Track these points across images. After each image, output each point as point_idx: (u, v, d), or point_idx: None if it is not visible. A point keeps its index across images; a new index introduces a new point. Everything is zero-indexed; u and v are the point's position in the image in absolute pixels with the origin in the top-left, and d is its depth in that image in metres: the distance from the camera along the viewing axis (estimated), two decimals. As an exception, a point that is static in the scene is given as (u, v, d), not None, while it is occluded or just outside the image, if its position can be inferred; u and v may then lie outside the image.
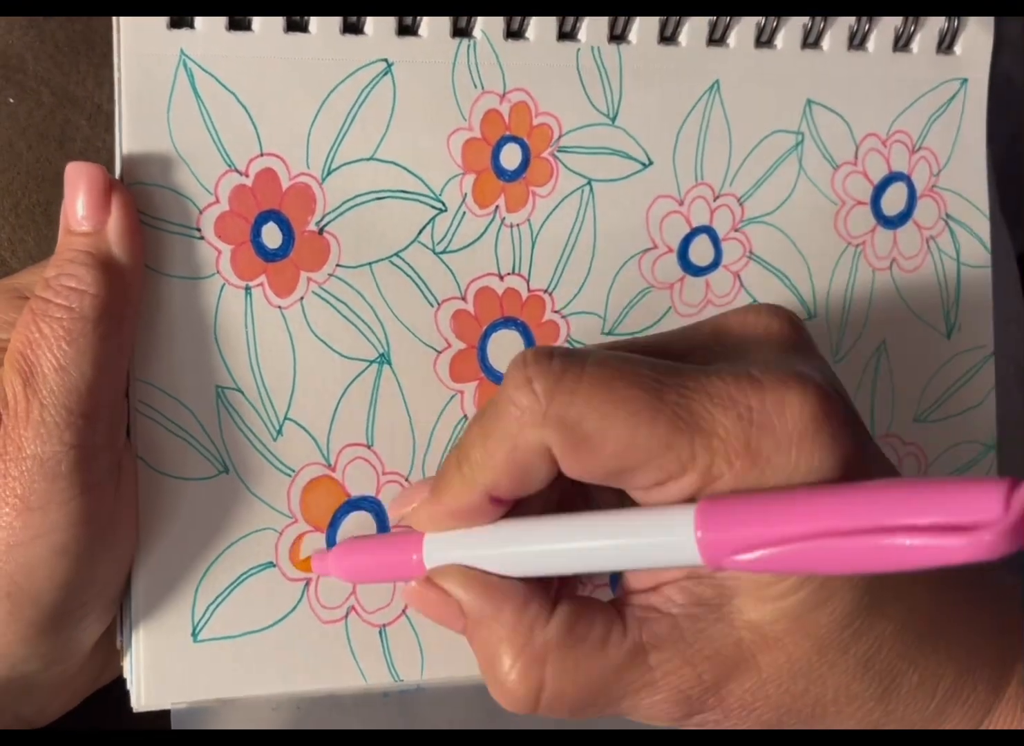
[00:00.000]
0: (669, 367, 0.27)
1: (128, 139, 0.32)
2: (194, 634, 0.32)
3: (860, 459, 0.27)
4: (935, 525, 0.22)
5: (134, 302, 0.31)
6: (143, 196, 0.32)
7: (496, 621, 0.28)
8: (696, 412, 0.26)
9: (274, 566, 0.33)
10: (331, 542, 0.34)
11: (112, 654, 0.33)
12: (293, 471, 0.34)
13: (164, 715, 0.32)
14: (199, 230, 0.33)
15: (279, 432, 0.33)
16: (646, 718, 0.29)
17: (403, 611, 0.34)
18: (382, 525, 0.34)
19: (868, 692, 0.28)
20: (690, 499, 0.27)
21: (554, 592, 0.29)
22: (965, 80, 0.39)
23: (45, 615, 0.30)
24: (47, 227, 0.37)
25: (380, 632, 0.34)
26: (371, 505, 0.34)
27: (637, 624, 0.28)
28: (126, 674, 0.33)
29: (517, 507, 0.30)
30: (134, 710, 0.32)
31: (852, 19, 0.38)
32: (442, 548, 0.30)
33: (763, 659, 0.28)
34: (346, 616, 0.34)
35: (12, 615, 0.29)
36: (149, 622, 0.32)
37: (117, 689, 0.33)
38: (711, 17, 0.36)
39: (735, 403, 0.26)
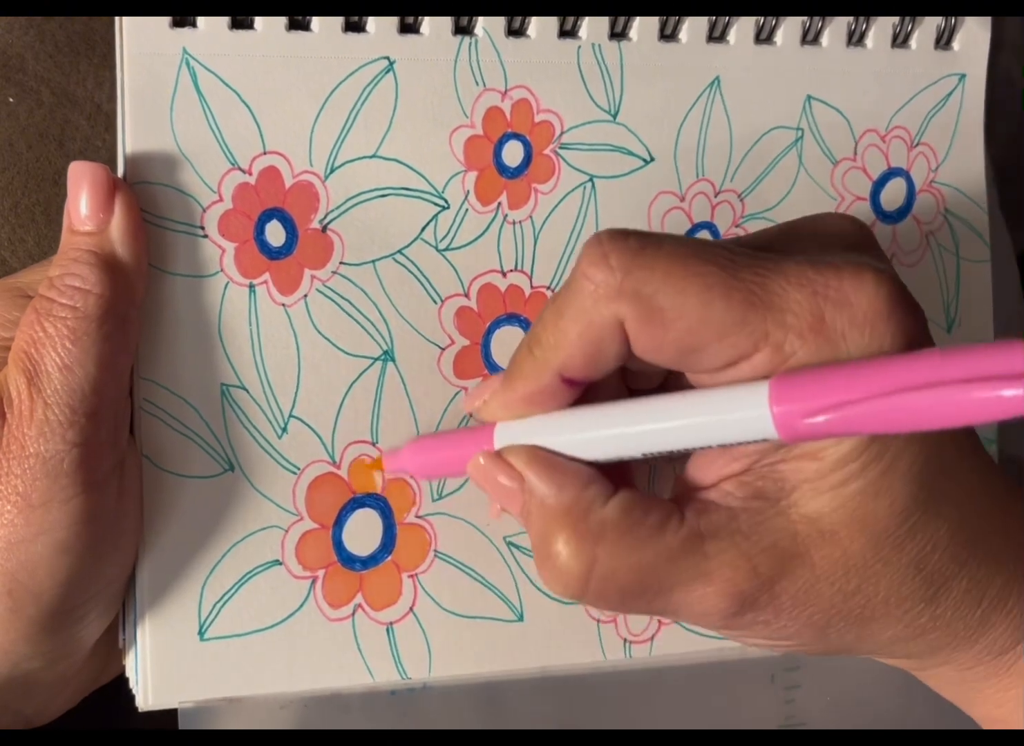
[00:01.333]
0: (745, 251, 0.28)
1: (131, 138, 0.32)
2: (201, 632, 0.33)
3: (923, 345, 0.28)
4: (998, 375, 0.24)
5: (138, 301, 0.32)
6: (146, 195, 0.32)
7: (555, 498, 0.29)
8: (771, 290, 0.27)
9: (280, 564, 0.33)
10: (337, 541, 0.34)
11: (113, 652, 0.34)
12: (298, 469, 0.34)
13: (171, 714, 0.32)
14: (203, 228, 0.33)
15: (284, 430, 0.34)
16: (696, 615, 0.29)
17: (410, 609, 0.34)
18: (388, 523, 0.34)
19: (918, 594, 0.29)
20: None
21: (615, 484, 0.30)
22: (963, 75, 0.40)
23: (47, 613, 0.30)
24: (47, 227, 0.37)
25: (387, 630, 0.34)
26: (376, 503, 0.34)
27: (695, 515, 0.28)
28: (129, 673, 0.33)
29: (583, 399, 0.30)
30: (140, 710, 0.32)
31: (850, 16, 0.38)
32: (512, 435, 0.30)
33: (818, 554, 0.28)
34: (353, 614, 0.34)
35: (14, 613, 0.29)
36: (155, 621, 0.32)
37: (125, 688, 0.33)
38: (711, 16, 0.36)
39: (811, 282, 0.27)
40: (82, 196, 0.31)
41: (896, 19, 0.38)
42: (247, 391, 0.33)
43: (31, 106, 0.36)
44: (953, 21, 0.39)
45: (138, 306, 0.32)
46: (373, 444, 0.34)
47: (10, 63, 0.36)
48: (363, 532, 0.34)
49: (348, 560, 0.34)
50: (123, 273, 0.31)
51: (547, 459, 0.30)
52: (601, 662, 0.36)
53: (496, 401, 0.31)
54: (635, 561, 0.28)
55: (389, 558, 0.34)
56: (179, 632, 0.32)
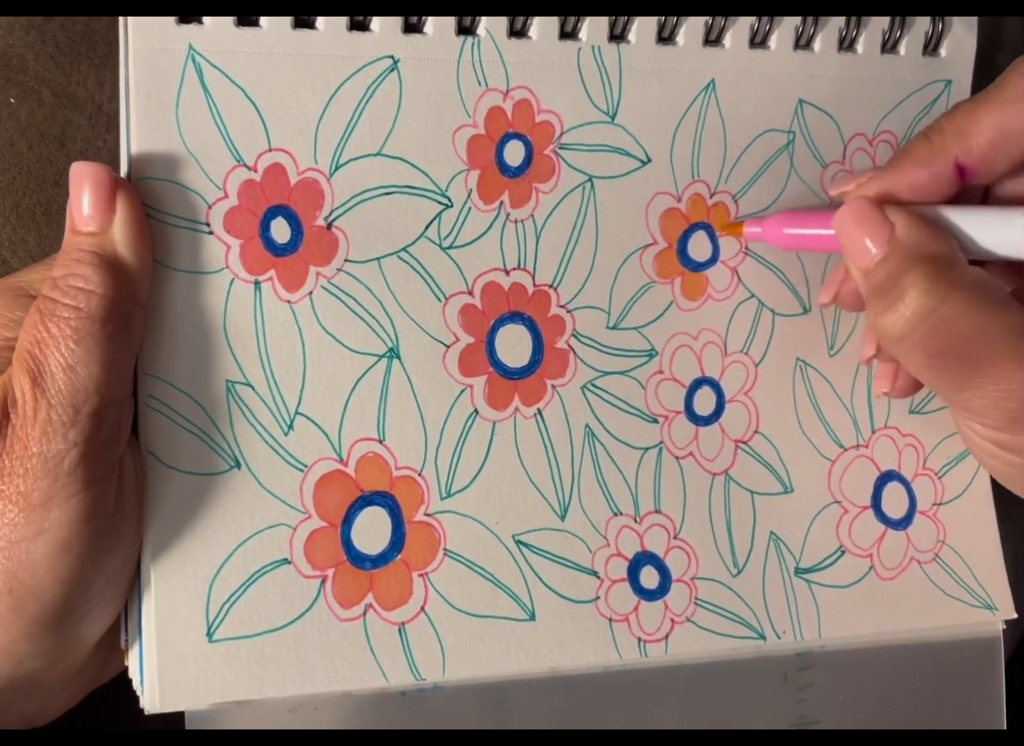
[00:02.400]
0: None
1: (137, 134, 0.32)
2: (209, 634, 0.32)
3: None
4: None
5: (141, 301, 0.31)
6: (151, 191, 0.32)
7: (925, 246, 0.32)
8: None
9: (289, 563, 0.33)
10: (346, 539, 0.33)
11: (113, 651, 0.33)
12: (305, 466, 0.33)
13: (178, 714, 0.31)
14: (208, 225, 0.33)
15: (290, 427, 0.33)
16: (990, 401, 0.32)
17: (422, 609, 0.34)
18: (396, 521, 0.34)
19: None
20: None
21: None
22: (949, 81, 0.41)
23: (48, 611, 0.29)
24: (48, 227, 0.37)
25: (399, 630, 0.34)
26: (384, 501, 0.34)
27: None
28: (132, 674, 0.32)
29: None
30: (146, 712, 0.31)
31: (842, 22, 0.39)
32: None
33: None
34: (364, 614, 0.33)
35: (15, 611, 0.29)
36: (162, 622, 0.32)
37: (130, 688, 0.32)
38: (707, 18, 0.37)
39: None
40: (84, 196, 0.31)
41: (885, 26, 0.40)
42: (252, 388, 0.33)
43: (32, 107, 0.36)
44: (940, 28, 0.40)
45: (142, 306, 0.32)
46: (380, 442, 0.34)
47: (11, 64, 0.36)
48: (372, 530, 0.34)
49: (357, 559, 0.34)
50: (126, 273, 0.31)
51: (923, 217, 0.33)
52: (616, 662, 0.36)
53: (875, 184, 0.34)
54: (976, 318, 0.31)
55: (399, 557, 0.34)
56: (187, 633, 0.32)
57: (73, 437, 0.29)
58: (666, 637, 0.36)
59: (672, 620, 0.37)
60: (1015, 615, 0.41)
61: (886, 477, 0.40)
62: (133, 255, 0.31)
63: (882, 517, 0.40)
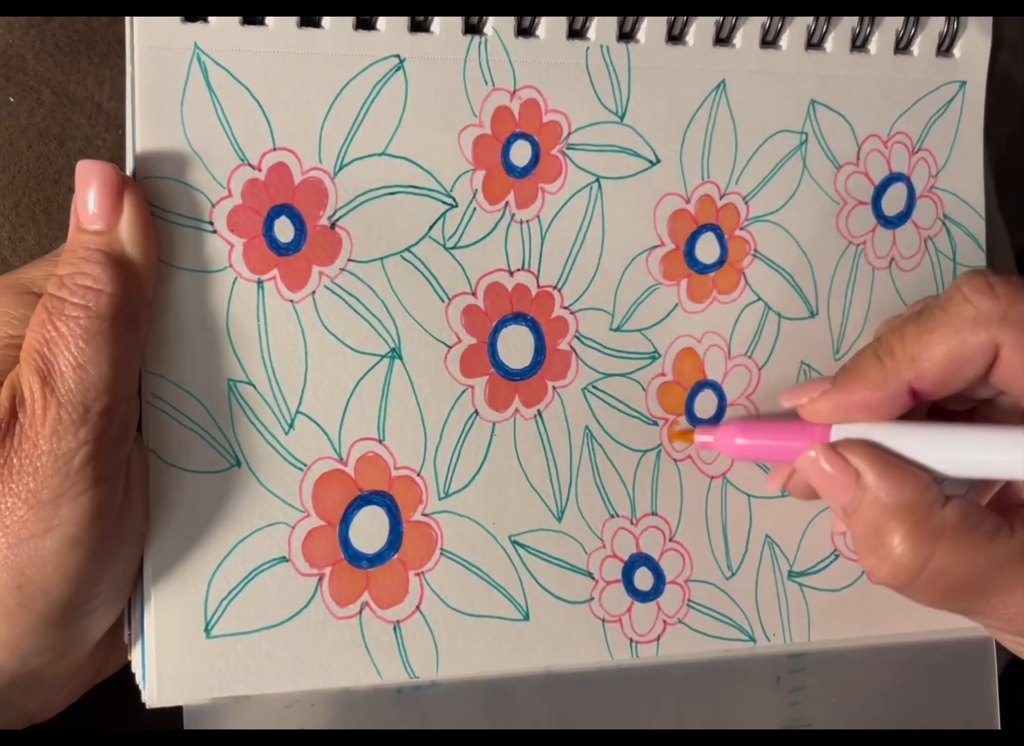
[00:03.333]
0: None
1: (141, 133, 0.32)
2: (207, 630, 0.33)
3: None
4: None
5: (148, 299, 0.32)
6: (155, 190, 0.33)
7: (894, 496, 0.32)
8: None
9: (287, 561, 0.34)
10: (344, 538, 0.34)
11: (115, 647, 0.34)
12: (305, 465, 0.34)
13: (176, 713, 0.32)
14: (212, 224, 0.33)
15: (291, 426, 0.34)
16: (1006, 619, 0.32)
17: (417, 608, 0.35)
18: (394, 521, 0.35)
19: None
20: None
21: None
22: (964, 82, 0.41)
23: (55, 608, 0.30)
24: (47, 225, 0.37)
25: (395, 628, 0.34)
26: (383, 500, 0.35)
27: (1022, 527, 0.31)
28: (135, 668, 0.33)
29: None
30: (147, 706, 0.32)
31: (855, 21, 0.39)
32: (846, 435, 0.34)
33: None
34: (360, 612, 0.34)
35: (23, 607, 0.30)
36: (161, 618, 0.32)
37: (131, 688, 0.33)
38: (717, 17, 0.37)
39: None
40: (90, 194, 0.31)
41: (899, 25, 0.39)
42: (254, 387, 0.34)
43: (32, 106, 0.37)
44: (955, 28, 0.40)
45: (148, 304, 0.32)
46: (380, 441, 0.35)
47: (11, 63, 0.36)
48: (370, 530, 0.34)
49: (355, 558, 0.34)
50: (134, 272, 0.31)
51: (887, 458, 0.32)
52: (607, 662, 0.37)
53: (827, 402, 0.34)
54: (968, 562, 0.31)
55: (396, 556, 0.35)
56: (186, 629, 0.32)
57: (83, 435, 0.29)
58: (658, 638, 0.37)
59: (664, 621, 0.37)
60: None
61: (887, 481, 0.41)
62: (140, 253, 0.31)
63: (881, 521, 0.40)
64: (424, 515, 0.35)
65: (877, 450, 0.33)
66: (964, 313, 0.32)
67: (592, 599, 0.37)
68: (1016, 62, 0.42)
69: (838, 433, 0.34)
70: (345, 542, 0.34)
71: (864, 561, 0.33)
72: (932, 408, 0.36)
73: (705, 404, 0.38)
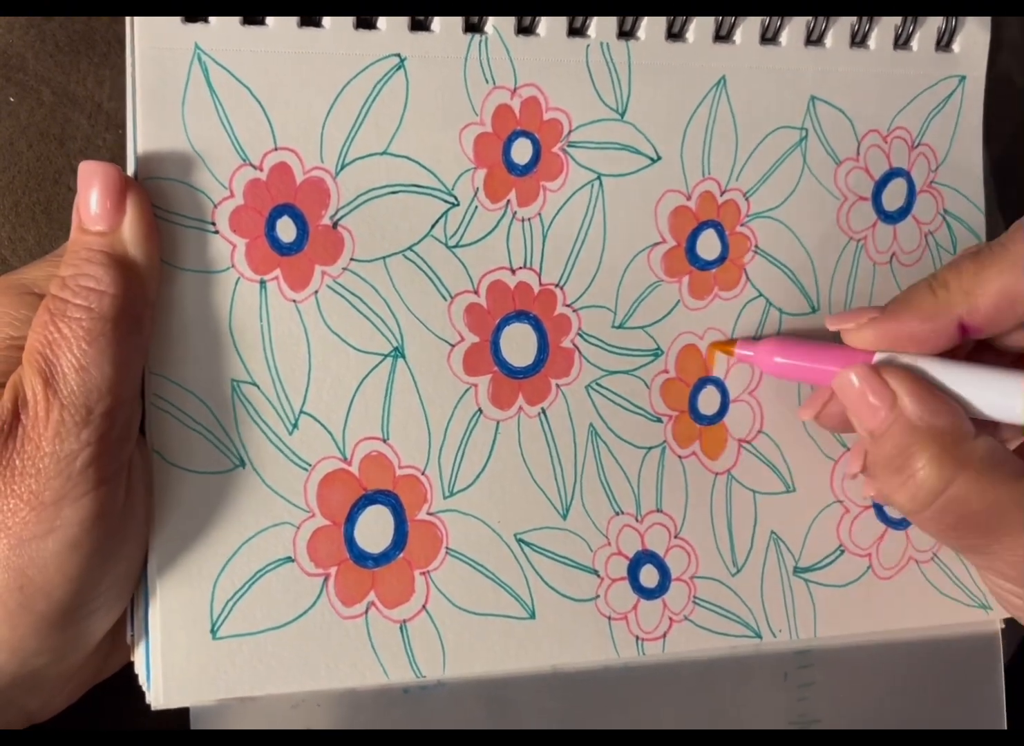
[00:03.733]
0: None
1: (143, 134, 0.33)
2: (213, 631, 0.33)
3: None
4: None
5: (151, 301, 0.32)
6: (157, 191, 0.33)
7: (928, 421, 0.32)
8: None
9: (292, 561, 0.34)
10: (349, 538, 0.34)
11: (115, 647, 0.34)
12: (309, 465, 0.34)
13: (183, 713, 0.32)
14: (214, 224, 0.33)
15: (295, 426, 0.34)
16: (1008, 563, 0.33)
17: (423, 607, 0.35)
18: (399, 520, 0.35)
19: None
20: None
21: None
22: (963, 77, 0.41)
23: (56, 609, 0.30)
24: (47, 225, 0.37)
25: (401, 628, 0.34)
26: (388, 499, 0.35)
27: None
28: (139, 669, 0.33)
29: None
30: (152, 709, 0.32)
31: (854, 17, 0.39)
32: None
33: None
34: (366, 612, 0.34)
35: (24, 608, 0.30)
36: (167, 619, 0.32)
37: (136, 688, 0.33)
38: (717, 16, 0.37)
39: None
40: (93, 195, 0.31)
41: (898, 21, 0.40)
42: (258, 387, 0.34)
43: (32, 105, 0.37)
44: (954, 23, 0.40)
45: (151, 305, 0.32)
46: (384, 441, 0.35)
47: (11, 63, 0.36)
48: (375, 529, 0.34)
49: (360, 557, 0.34)
50: (136, 273, 0.31)
51: (927, 387, 0.33)
52: (614, 660, 0.37)
53: (875, 329, 0.34)
54: (987, 496, 0.32)
55: (401, 555, 0.35)
56: (192, 630, 0.33)
57: (86, 437, 0.29)
58: (664, 636, 0.37)
59: (670, 619, 0.37)
60: (1008, 614, 0.42)
61: (890, 476, 0.41)
62: (143, 255, 0.31)
63: (883, 517, 0.41)
64: (429, 514, 0.35)
65: (917, 377, 0.33)
66: (1021, 250, 0.32)
67: (598, 597, 0.37)
68: (1016, 62, 0.42)
69: (881, 362, 0.34)
70: (350, 542, 0.34)
71: (884, 483, 0.34)
72: (974, 352, 0.36)
73: (708, 400, 0.38)
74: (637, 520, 0.37)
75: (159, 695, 0.32)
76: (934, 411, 0.33)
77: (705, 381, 0.38)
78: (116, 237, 0.31)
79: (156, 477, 0.33)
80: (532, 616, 0.36)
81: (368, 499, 0.35)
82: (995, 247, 0.33)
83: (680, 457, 0.38)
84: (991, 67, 0.41)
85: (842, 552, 0.40)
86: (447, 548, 0.35)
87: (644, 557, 0.37)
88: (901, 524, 0.41)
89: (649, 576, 0.37)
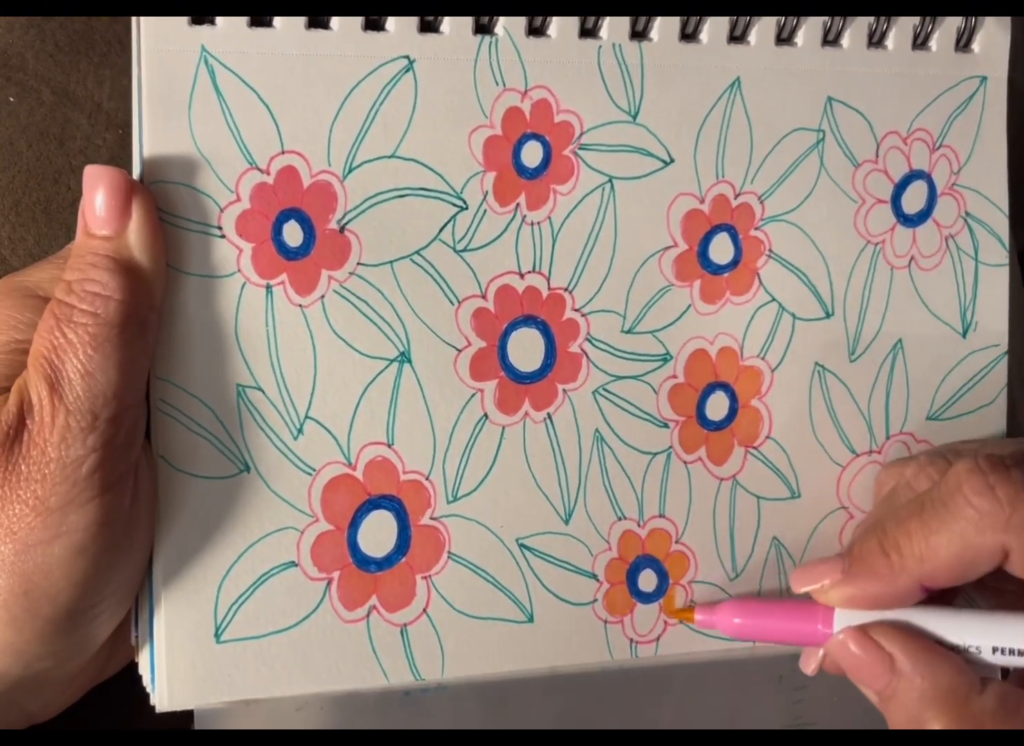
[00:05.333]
0: None
1: (149, 137, 0.33)
2: (217, 635, 0.34)
3: None
4: None
5: (157, 306, 0.32)
6: (163, 194, 0.33)
7: (931, 683, 0.32)
8: None
9: (296, 565, 0.34)
10: (352, 542, 0.35)
11: (117, 648, 0.35)
12: (314, 470, 0.35)
13: (187, 714, 0.34)
14: (220, 228, 0.34)
15: (300, 431, 0.35)
16: None
17: (424, 610, 0.36)
18: (402, 524, 0.35)
19: None
20: None
21: None
22: (984, 78, 0.41)
23: (61, 613, 0.31)
24: (47, 225, 0.38)
25: (401, 631, 0.35)
26: (391, 504, 0.35)
27: None
28: (143, 671, 0.34)
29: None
30: (157, 711, 0.33)
31: (871, 17, 0.39)
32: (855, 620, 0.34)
33: None
34: (368, 616, 0.35)
35: (29, 613, 0.30)
36: (172, 622, 0.33)
37: (140, 688, 0.34)
38: (732, 16, 0.37)
39: None
40: (98, 199, 0.32)
41: (916, 20, 0.39)
42: (263, 392, 0.34)
43: (32, 105, 0.37)
44: (973, 23, 0.40)
45: (157, 310, 0.32)
46: (389, 446, 0.35)
47: (11, 62, 0.37)
48: (378, 534, 0.35)
49: (363, 562, 0.35)
50: (142, 278, 0.32)
51: (920, 641, 0.32)
52: (608, 662, 0.38)
53: (839, 593, 0.34)
54: None
55: (404, 560, 0.36)
56: (196, 634, 0.34)
57: (91, 443, 0.30)
58: (657, 638, 0.38)
59: (665, 622, 0.38)
60: None
61: (899, 482, 0.41)
62: (149, 259, 0.32)
63: (893, 522, 0.41)
64: (432, 519, 0.36)
65: (909, 633, 0.33)
66: (967, 515, 0.31)
67: (596, 601, 0.37)
68: (1016, 62, 0.42)
69: (841, 616, 0.34)
70: (353, 546, 0.35)
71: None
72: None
73: (716, 406, 0.39)
74: (639, 525, 0.38)
75: (163, 698, 0.33)
76: (935, 669, 0.32)
77: (714, 386, 0.39)
78: (122, 241, 0.32)
79: (161, 482, 0.33)
80: (530, 620, 0.37)
81: (372, 504, 0.35)
82: (939, 507, 0.32)
83: (685, 462, 0.38)
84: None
85: (847, 557, 0.40)
86: (449, 553, 0.36)
87: (644, 561, 0.38)
88: (909, 529, 0.41)
89: (647, 580, 0.38)
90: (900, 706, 0.32)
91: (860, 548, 0.34)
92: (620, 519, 0.38)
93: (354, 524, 0.35)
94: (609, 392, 0.37)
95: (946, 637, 0.33)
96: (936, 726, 0.31)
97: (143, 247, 0.32)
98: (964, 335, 0.41)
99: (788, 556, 0.40)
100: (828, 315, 0.40)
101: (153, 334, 0.32)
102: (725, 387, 0.39)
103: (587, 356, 0.37)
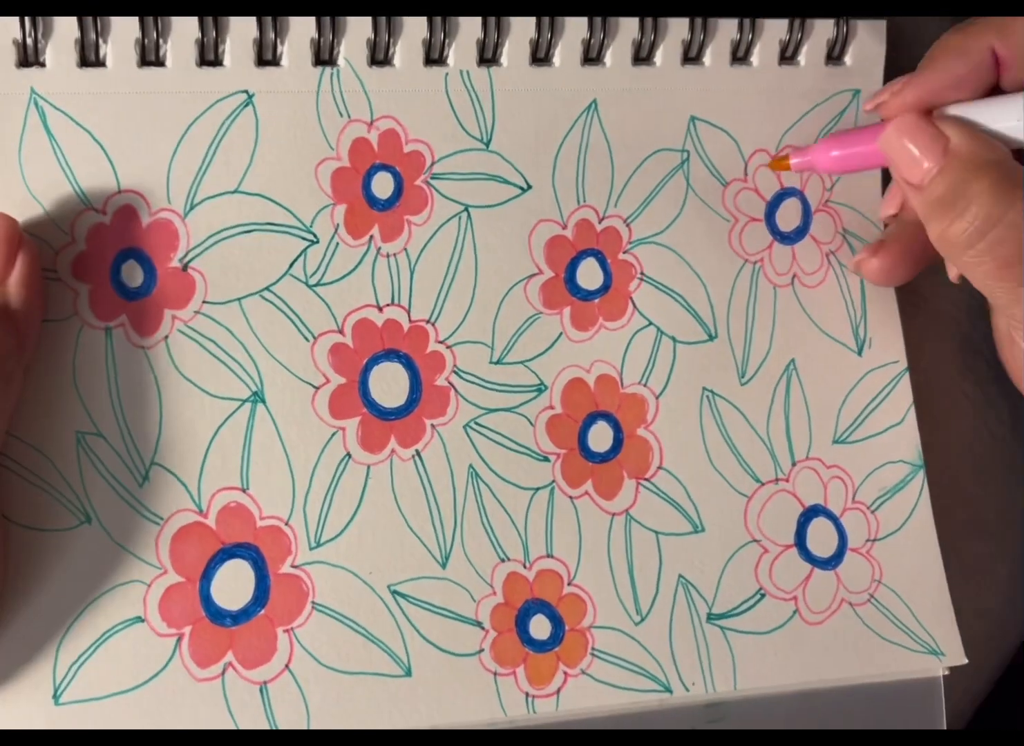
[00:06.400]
0: None
1: (-23, 181, 0.33)
2: (55, 696, 0.32)
3: None
4: None
5: (25, 360, 0.31)
6: (-5, 239, 0.33)
7: (983, 153, 0.33)
8: None
9: (142, 621, 0.32)
10: (204, 594, 0.33)
11: None
12: (161, 519, 0.33)
13: None
14: (55, 271, 0.33)
15: (145, 478, 0.33)
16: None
17: (286, 666, 0.33)
18: (260, 574, 0.34)
19: None
20: None
21: None
22: (857, 91, 0.40)
23: None
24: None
25: (261, 689, 0.33)
26: (248, 553, 0.34)
27: None
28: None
29: None
30: (-12, 782, 0.31)
31: (734, 33, 0.39)
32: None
33: None
34: (223, 673, 0.33)
35: None
36: (6, 683, 0.31)
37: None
38: (585, 35, 0.37)
39: None
40: None
41: (783, 35, 0.39)
42: (104, 438, 0.33)
43: None
44: (844, 33, 0.40)
45: (23, 367, 0.32)
46: (243, 490, 0.34)
47: None
48: (233, 585, 0.33)
49: (217, 615, 0.33)
50: (14, 330, 0.31)
51: (978, 132, 0.34)
52: (501, 719, 0.35)
53: (912, 87, 0.35)
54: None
55: (262, 612, 0.34)
56: (32, 695, 0.31)
57: None
58: (558, 692, 0.35)
59: (565, 673, 0.36)
60: (964, 660, 0.40)
61: (811, 512, 0.39)
62: (25, 312, 0.31)
63: (808, 556, 0.39)
64: (293, 567, 0.34)
65: (970, 124, 0.34)
66: None
67: (482, 651, 0.35)
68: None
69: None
70: (206, 599, 0.33)
71: (936, 222, 0.34)
72: None
73: (599, 437, 0.37)
74: (525, 567, 0.36)
75: (-8, 767, 0.31)
76: (987, 145, 0.33)
77: (595, 416, 0.37)
78: (1, 291, 0.31)
79: (1, 538, 0.32)
80: (408, 673, 0.34)
81: (226, 553, 0.34)
82: None
83: (571, 497, 0.37)
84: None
85: (763, 596, 0.38)
86: (313, 603, 0.34)
87: (534, 606, 0.36)
88: (829, 563, 0.39)
89: (540, 627, 0.36)
90: (945, 178, 0.33)
91: (934, 45, 0.35)
92: (503, 560, 0.36)
93: (207, 575, 0.33)
94: (481, 426, 0.36)
95: (1000, 129, 0.34)
96: (984, 186, 0.33)
97: (22, 300, 0.31)
98: (860, 353, 0.40)
99: (699, 596, 0.37)
100: (711, 337, 0.38)
101: (16, 391, 0.31)
102: (607, 416, 0.37)
103: (455, 389, 0.36)
